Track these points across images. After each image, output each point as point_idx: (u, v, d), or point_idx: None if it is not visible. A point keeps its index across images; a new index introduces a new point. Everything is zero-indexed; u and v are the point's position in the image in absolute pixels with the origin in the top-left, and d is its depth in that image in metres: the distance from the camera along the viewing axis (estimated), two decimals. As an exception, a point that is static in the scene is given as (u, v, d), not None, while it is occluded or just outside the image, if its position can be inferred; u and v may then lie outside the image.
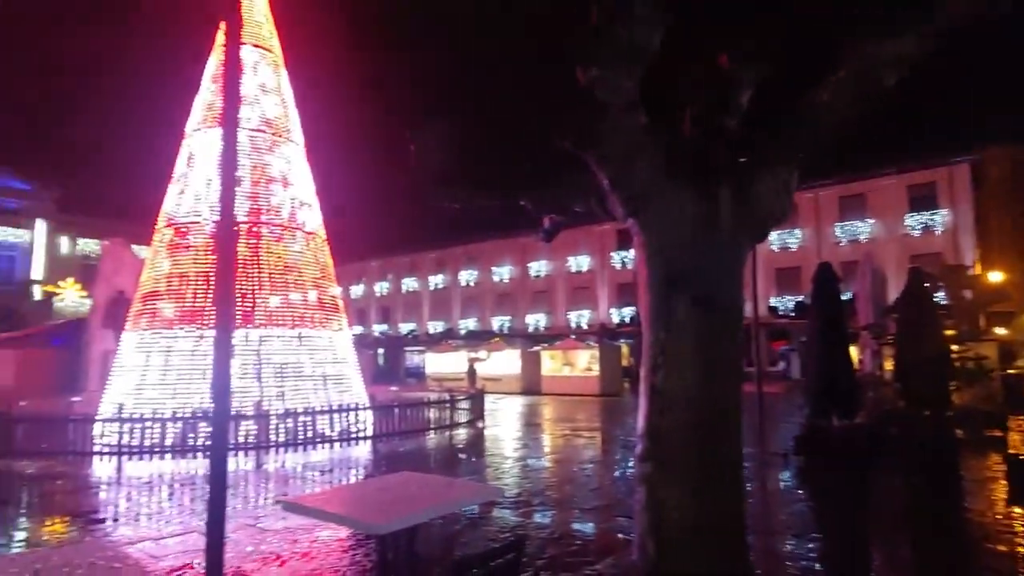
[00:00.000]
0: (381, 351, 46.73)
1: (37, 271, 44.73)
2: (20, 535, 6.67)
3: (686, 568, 3.32)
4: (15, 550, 6.08)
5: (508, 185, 3.84)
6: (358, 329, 45.58)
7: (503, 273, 42.90)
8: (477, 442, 12.92)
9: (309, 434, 11.17)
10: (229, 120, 3.75)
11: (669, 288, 3.35)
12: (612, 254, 38.93)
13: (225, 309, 4.01)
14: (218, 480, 4.01)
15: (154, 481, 9.17)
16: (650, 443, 3.40)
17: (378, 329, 49.60)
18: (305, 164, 13.93)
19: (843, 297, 10.87)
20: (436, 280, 46.67)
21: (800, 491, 8.19)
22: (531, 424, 16.72)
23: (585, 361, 27.08)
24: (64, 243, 46.52)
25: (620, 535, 5.93)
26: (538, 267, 41.37)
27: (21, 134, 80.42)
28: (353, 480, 9.52)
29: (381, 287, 50.21)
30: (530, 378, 28.28)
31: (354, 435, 11.70)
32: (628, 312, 37.20)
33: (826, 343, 10.21)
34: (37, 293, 43.56)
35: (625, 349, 34.36)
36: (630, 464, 10.17)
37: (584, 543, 5.73)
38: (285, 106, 13.60)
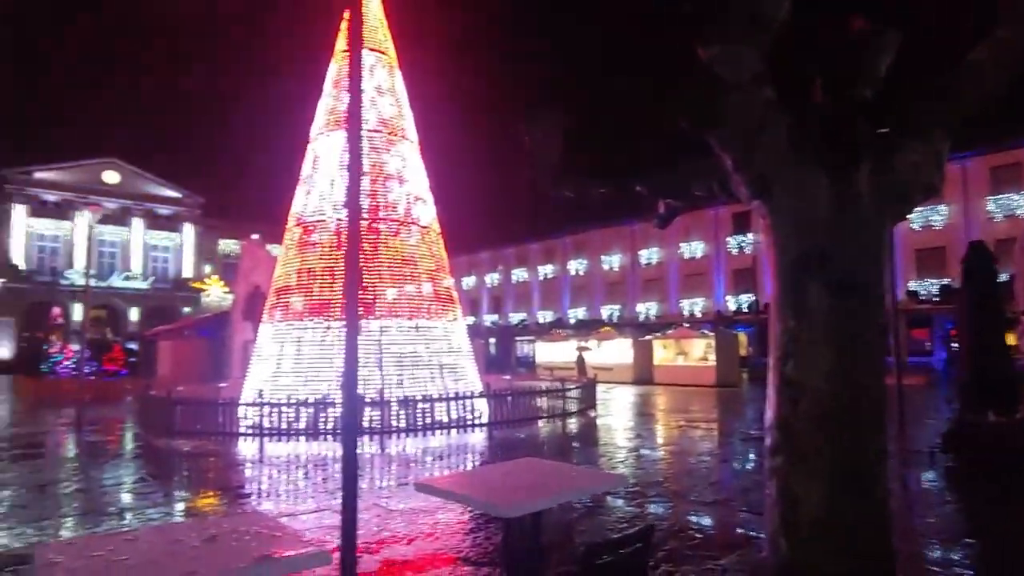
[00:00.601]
0: (492, 340, 47.73)
1: (187, 270, 49.66)
2: (180, 505, 7.46)
3: (822, 568, 3.13)
4: (178, 517, 6.81)
5: (623, 172, 3.76)
6: (470, 319, 46.81)
7: (612, 261, 42.37)
8: (589, 431, 12.89)
9: (427, 420, 11.62)
10: (354, 122, 3.94)
11: (800, 272, 3.14)
12: (728, 239, 37.30)
13: (352, 302, 4.25)
14: (350, 462, 4.26)
15: (291, 461, 9.92)
16: (780, 436, 3.22)
17: (489, 319, 50.68)
18: (419, 160, 14.43)
19: (999, 279, 9.76)
20: (545, 270, 46.91)
21: (949, 492, 7.48)
22: (644, 414, 16.44)
23: (700, 350, 26.21)
24: (208, 244, 51.23)
25: (743, 530, 5.70)
26: (649, 254, 40.50)
27: (169, 147, 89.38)
28: (470, 464, 9.81)
29: (492, 278, 51.20)
30: (642, 367, 27.77)
31: (470, 422, 12.04)
32: (746, 299, 35.55)
33: (979, 330, 9.22)
34: (187, 290, 48.32)
35: (743, 338, 32.89)
36: (751, 457, 9.75)
37: (706, 537, 5.56)
38: (399, 105, 14.14)
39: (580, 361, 27.70)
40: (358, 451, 9.83)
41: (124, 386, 22.15)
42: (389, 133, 13.72)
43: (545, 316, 45.79)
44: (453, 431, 11.84)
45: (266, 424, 11.10)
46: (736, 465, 9.24)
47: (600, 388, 17.90)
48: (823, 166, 3.12)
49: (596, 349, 29.99)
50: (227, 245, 51.38)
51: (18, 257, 43.24)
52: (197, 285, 48.46)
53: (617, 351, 29.21)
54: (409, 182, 13.85)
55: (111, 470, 9.56)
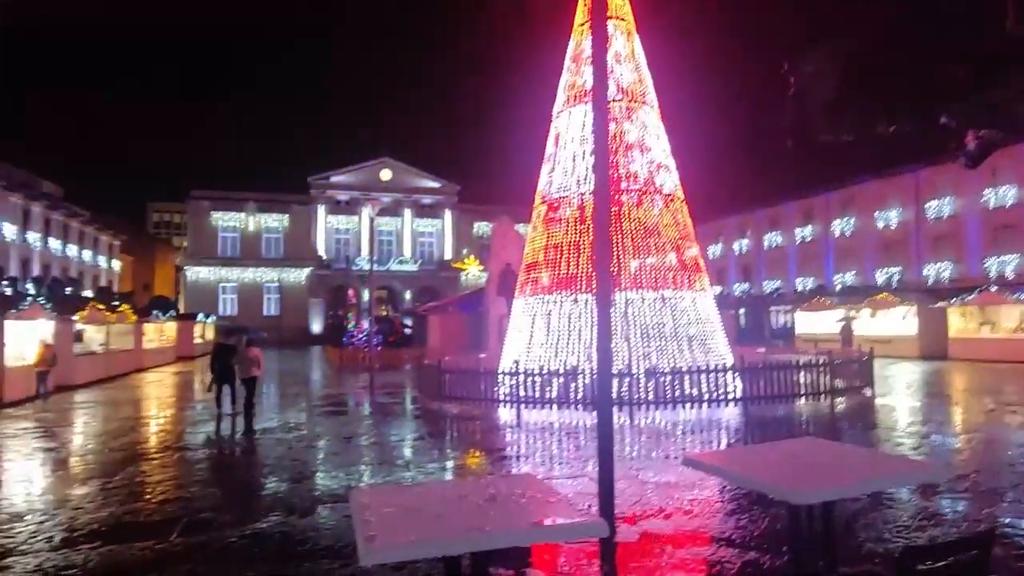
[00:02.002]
0: (742, 311, 44.88)
1: (447, 252, 55.14)
2: (451, 462, 8.25)
3: None
4: (449, 473, 7.54)
5: (926, 101, 3.06)
6: (716, 289, 44.51)
7: (889, 217, 36.48)
8: (863, 412, 11.38)
9: (676, 393, 11.28)
10: (599, 96, 3.83)
11: None
12: (1056, 180, 29.47)
13: (604, 276, 4.18)
14: (606, 433, 4.23)
15: (544, 427, 10.39)
16: None
17: (738, 288, 47.69)
18: (660, 126, 13.91)
19: None
20: (803, 232, 42.37)
21: None
22: (936, 394, 14.05)
23: (1015, 320, 21.56)
24: (464, 228, 56.23)
25: (1101, 547, 4.47)
26: (939, 206, 33.91)
27: (429, 140, 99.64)
28: (724, 441, 9.29)
29: (740, 244, 47.92)
30: (932, 340, 23.78)
31: (722, 396, 11.41)
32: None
33: None
34: (449, 270, 53.73)
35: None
36: (1103, 454, 7.70)
37: (1041, 549, 4.48)
38: (639, 71, 13.73)
39: (846, 331, 24.70)
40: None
41: (403, 355, 25.41)
42: (629, 101, 13.41)
43: (804, 283, 41.48)
44: (703, 405, 11.34)
45: (522, 393, 11.75)
46: (1078, 462, 7.36)
47: (877, 363, 15.70)
48: None
49: (870, 319, 26.47)
50: (480, 227, 55.79)
51: (322, 249, 52.10)
52: (457, 265, 53.57)
53: (897, 321, 25.42)
54: (651, 150, 13.43)
55: (396, 427, 11.00)
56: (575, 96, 13.76)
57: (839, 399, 12.15)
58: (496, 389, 12.22)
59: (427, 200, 55.32)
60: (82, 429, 11.28)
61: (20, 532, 5.28)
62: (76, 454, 9.08)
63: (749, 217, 47.06)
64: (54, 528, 5.37)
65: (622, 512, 5.28)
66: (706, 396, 11.30)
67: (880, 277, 36.27)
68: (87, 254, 46.50)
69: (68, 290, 30.74)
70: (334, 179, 53.70)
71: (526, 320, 13.81)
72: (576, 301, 12.91)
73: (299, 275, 51.52)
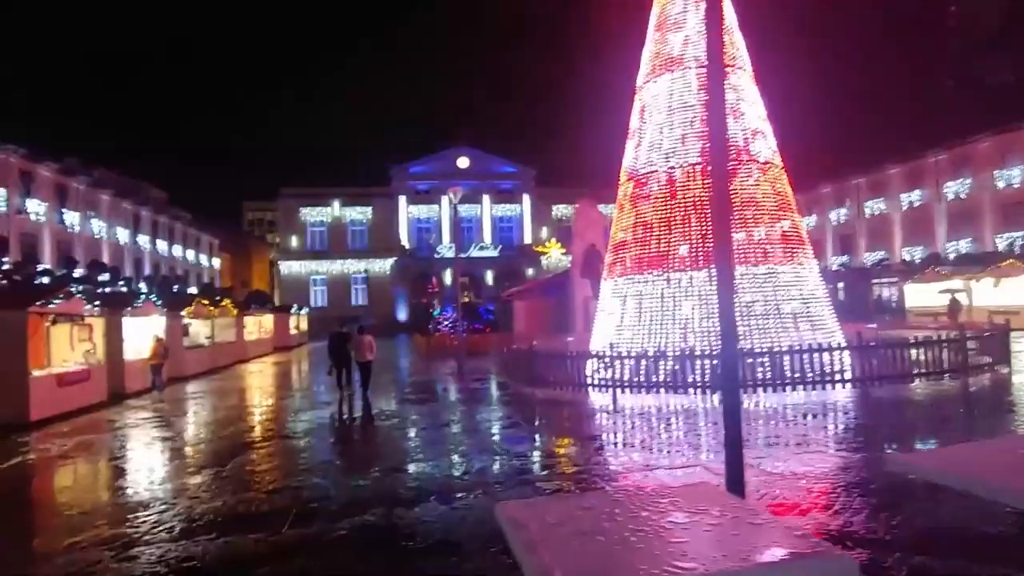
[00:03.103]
0: (840, 285, 42.23)
1: (527, 236, 54.93)
2: (556, 448, 7.98)
3: None
4: (538, 464, 7.27)
5: None
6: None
7: (1010, 177, 33.07)
8: (999, 391, 10.27)
9: (787, 375, 10.53)
10: (714, 61, 3.38)
11: None
12: None
13: (725, 253, 3.74)
14: (733, 418, 3.79)
15: (642, 412, 9.93)
16: None
17: (836, 261, 44.90)
18: (754, 90, 13.00)
19: None
20: (910, 197, 39.15)
21: None
22: (1087, 371, 12.51)
23: None
24: (543, 211, 55.83)
25: None
26: (1069, 161, 30.44)
27: (507, 125, 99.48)
28: (842, 425, 8.55)
29: (837, 214, 45.01)
30: (1068, 310, 21.40)
31: (837, 378, 10.56)
32: None
33: None
34: (529, 254, 53.54)
35: None
36: None
37: None
38: (729, 33, 12.84)
39: (954, 304, 22.78)
40: (706, 406, 9.13)
41: (488, 341, 25.43)
42: (719, 65, 12.59)
43: (912, 253, 38.42)
44: (810, 387, 10.53)
45: (617, 376, 11.31)
46: None
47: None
48: None
49: (992, 288, 24.19)
50: (559, 210, 55.24)
51: (405, 238, 53.13)
52: (539, 249, 53.29)
53: (1024, 290, 23.08)
54: (745, 116, 12.58)
55: (489, 413, 10.87)
56: (660, 65, 13.07)
57: (972, 377, 11.02)
58: (590, 373, 11.86)
59: (505, 185, 55.34)
60: (194, 419, 11.84)
61: (144, 522, 5.44)
62: (190, 443, 9.48)
63: (847, 185, 44.08)
64: (173, 518, 5.51)
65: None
66: (823, 377, 10.49)
67: (1001, 243, 33.06)
68: (191, 253, 49.52)
69: (175, 288, 32.78)
70: (413, 169, 54.57)
71: (616, 302, 13.35)
72: (668, 280, 12.33)
73: (384, 265, 52.83)
